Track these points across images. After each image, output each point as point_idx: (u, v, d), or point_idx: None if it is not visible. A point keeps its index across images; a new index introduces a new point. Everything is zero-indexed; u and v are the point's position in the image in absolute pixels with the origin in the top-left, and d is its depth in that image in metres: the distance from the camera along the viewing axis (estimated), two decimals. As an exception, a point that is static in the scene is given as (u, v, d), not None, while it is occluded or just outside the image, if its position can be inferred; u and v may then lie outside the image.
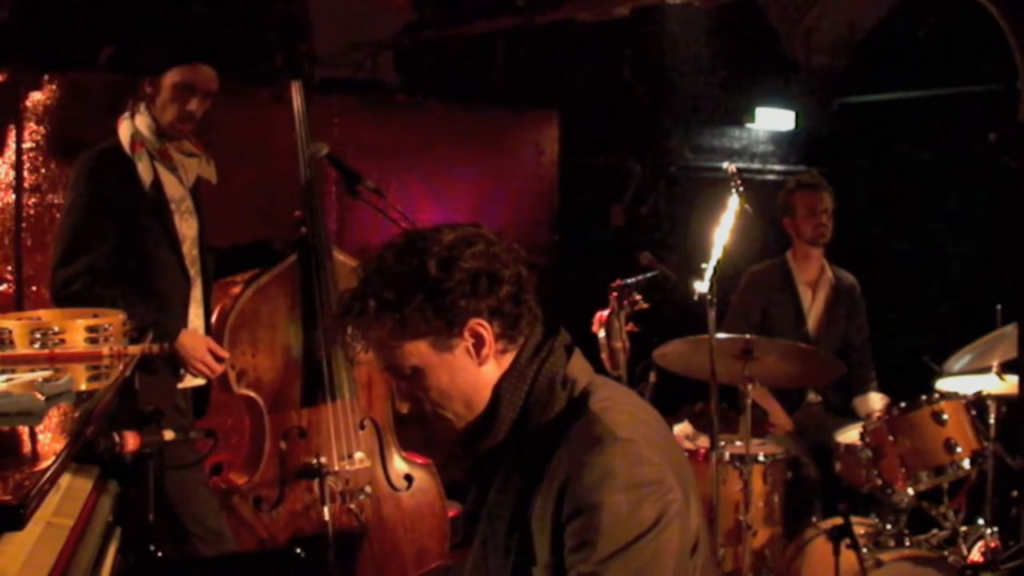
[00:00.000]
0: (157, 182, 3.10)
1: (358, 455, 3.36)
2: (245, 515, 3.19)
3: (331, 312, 3.27)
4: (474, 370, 1.71)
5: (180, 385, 3.18)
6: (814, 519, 3.75)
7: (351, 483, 3.33)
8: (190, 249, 3.19)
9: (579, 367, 1.76)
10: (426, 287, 1.65)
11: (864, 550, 3.28)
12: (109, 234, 3.02)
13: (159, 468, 2.33)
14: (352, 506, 3.31)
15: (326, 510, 3.20)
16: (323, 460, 3.27)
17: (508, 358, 1.73)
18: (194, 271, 3.21)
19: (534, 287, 1.76)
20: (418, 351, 1.68)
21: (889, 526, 3.61)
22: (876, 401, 4.28)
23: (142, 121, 3.10)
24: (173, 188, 3.14)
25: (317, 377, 3.34)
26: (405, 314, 1.65)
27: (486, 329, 1.69)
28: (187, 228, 3.18)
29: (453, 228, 1.72)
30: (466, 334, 1.68)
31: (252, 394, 3.26)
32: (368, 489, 3.36)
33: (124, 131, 3.09)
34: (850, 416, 4.23)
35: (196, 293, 3.22)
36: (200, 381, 3.20)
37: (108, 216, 3.02)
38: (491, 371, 1.72)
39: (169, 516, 2.98)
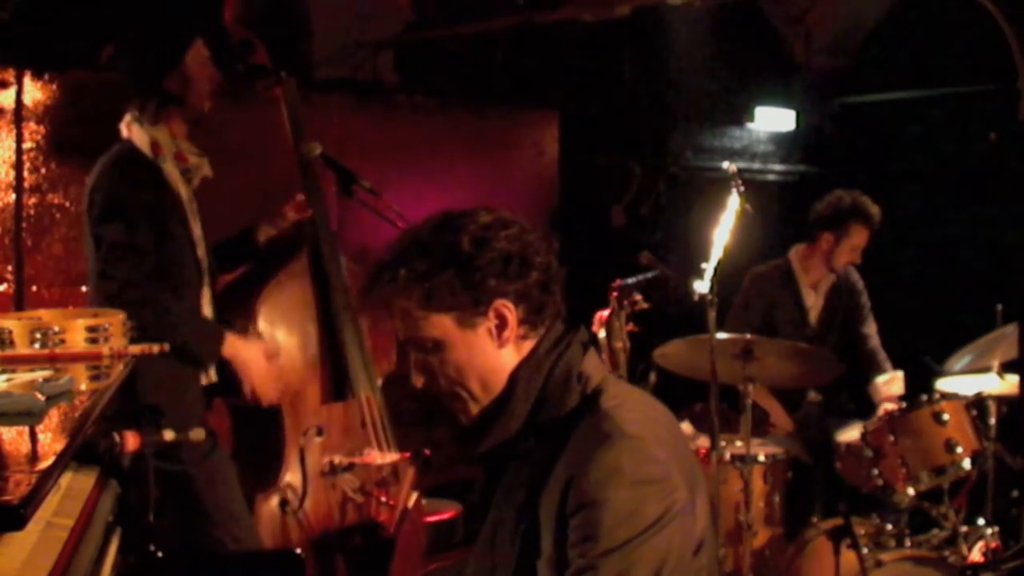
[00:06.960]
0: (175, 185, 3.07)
1: (377, 450, 3.31)
2: (271, 517, 3.13)
3: (346, 304, 3.23)
4: (493, 352, 1.74)
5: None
6: (814, 519, 3.76)
7: (372, 478, 3.29)
8: (204, 252, 3.15)
9: (593, 364, 1.79)
10: (458, 262, 1.69)
11: (864, 550, 3.28)
12: (149, 239, 2.93)
13: (166, 466, 2.32)
14: (381, 499, 3.26)
15: (351, 506, 3.17)
16: (343, 457, 3.23)
17: (528, 345, 1.76)
18: (207, 274, 3.16)
19: (563, 282, 1.79)
20: (441, 324, 1.71)
21: (889, 526, 3.61)
22: (888, 382, 4.22)
23: (156, 125, 3.03)
24: (186, 191, 3.11)
25: (334, 374, 3.28)
26: (434, 286, 1.69)
27: (511, 311, 1.72)
28: (198, 230, 3.14)
29: (490, 211, 1.76)
30: (491, 314, 1.72)
31: (275, 400, 3.15)
32: (389, 482, 3.31)
33: (140, 136, 3.02)
34: (852, 415, 4.23)
35: (207, 297, 3.16)
36: (213, 378, 3.11)
37: (146, 222, 2.94)
38: (510, 356, 1.75)
39: (199, 513, 2.93)
